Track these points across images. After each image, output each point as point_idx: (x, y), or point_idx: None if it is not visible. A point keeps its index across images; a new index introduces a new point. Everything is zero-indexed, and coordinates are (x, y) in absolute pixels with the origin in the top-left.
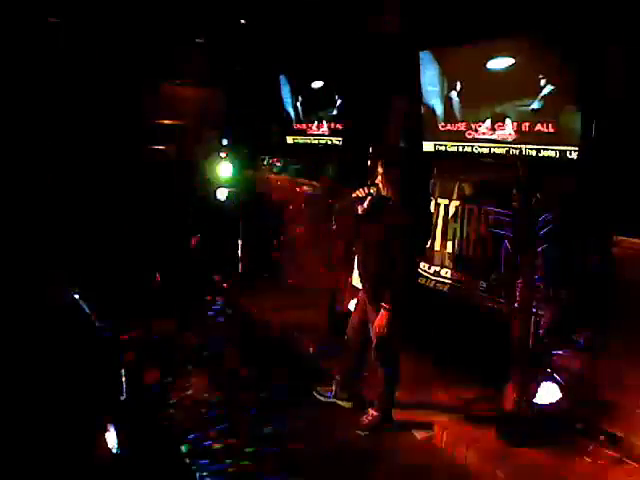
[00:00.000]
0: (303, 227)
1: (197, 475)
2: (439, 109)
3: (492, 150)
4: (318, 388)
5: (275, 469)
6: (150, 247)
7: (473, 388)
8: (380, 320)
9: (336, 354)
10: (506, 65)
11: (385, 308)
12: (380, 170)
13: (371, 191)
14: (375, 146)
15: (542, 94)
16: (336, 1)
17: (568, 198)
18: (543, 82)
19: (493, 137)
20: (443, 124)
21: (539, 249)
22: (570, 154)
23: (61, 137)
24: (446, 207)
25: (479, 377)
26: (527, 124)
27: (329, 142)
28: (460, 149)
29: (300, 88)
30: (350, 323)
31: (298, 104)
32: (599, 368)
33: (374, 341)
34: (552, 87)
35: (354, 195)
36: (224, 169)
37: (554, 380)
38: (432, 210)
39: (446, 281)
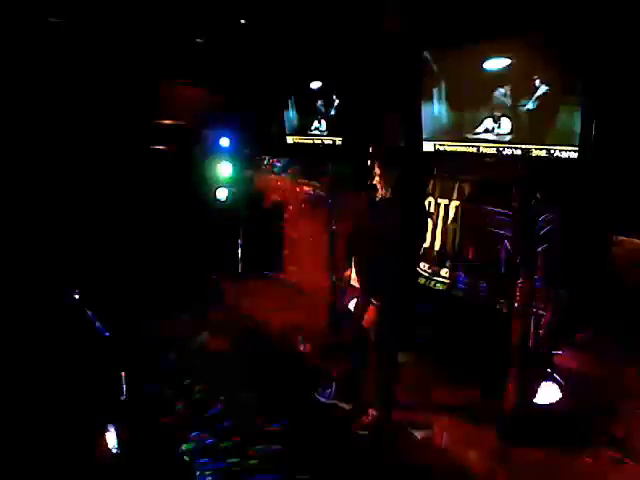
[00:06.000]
0: (303, 227)
1: (197, 475)
2: (439, 109)
3: (492, 150)
4: (318, 389)
5: (275, 469)
6: (149, 247)
7: (473, 388)
8: (369, 315)
9: (336, 354)
10: (505, 65)
11: (374, 304)
12: (378, 172)
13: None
14: (375, 146)
15: (540, 93)
16: (335, 0)
17: (568, 198)
18: (542, 82)
19: (493, 137)
20: (442, 124)
21: (539, 249)
22: (570, 154)
23: (61, 137)
24: (446, 207)
25: (479, 377)
26: (526, 124)
27: (329, 142)
28: (460, 149)
29: (300, 88)
30: (348, 323)
31: (298, 104)
32: (599, 368)
33: (373, 340)
34: (551, 87)
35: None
36: (224, 169)
37: (554, 380)
38: (432, 210)
39: (446, 281)
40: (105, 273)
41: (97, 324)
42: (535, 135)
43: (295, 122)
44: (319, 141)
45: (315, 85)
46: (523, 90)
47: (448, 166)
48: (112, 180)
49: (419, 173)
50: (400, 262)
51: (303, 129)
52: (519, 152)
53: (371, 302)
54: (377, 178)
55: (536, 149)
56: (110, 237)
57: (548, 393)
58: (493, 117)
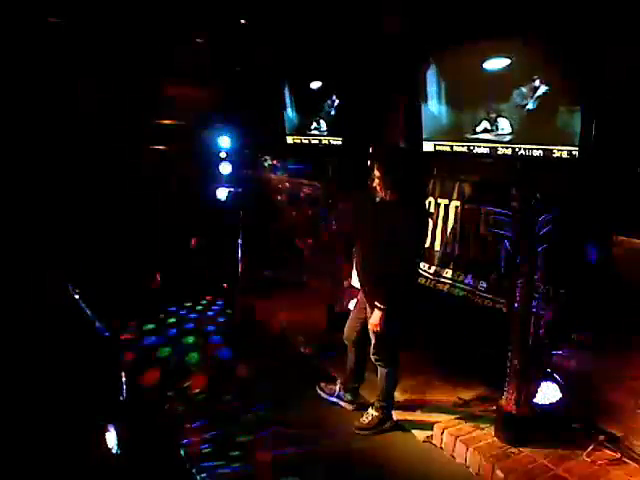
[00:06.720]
0: (303, 227)
1: (197, 476)
2: (438, 109)
3: (492, 150)
4: (322, 384)
5: (275, 470)
6: (150, 247)
7: (473, 388)
8: (374, 319)
9: (335, 354)
10: (505, 64)
11: (379, 308)
12: (377, 173)
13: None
14: (375, 146)
15: (540, 93)
16: (336, 1)
17: (568, 198)
18: (542, 82)
19: (493, 137)
20: (442, 124)
21: (539, 249)
22: (570, 154)
23: (60, 136)
24: (446, 207)
25: (479, 377)
26: (526, 124)
27: (329, 142)
28: (460, 149)
29: (300, 88)
30: (349, 323)
31: (298, 104)
32: (599, 368)
33: (373, 341)
34: (551, 87)
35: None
36: (224, 169)
37: (554, 380)
38: (432, 210)
39: (446, 281)
40: (105, 273)
41: (97, 324)
42: (535, 135)
43: (295, 122)
44: (319, 141)
45: (315, 85)
46: (523, 90)
47: (448, 166)
48: (113, 180)
49: (419, 173)
50: (401, 262)
51: (303, 129)
52: (519, 152)
53: (376, 306)
54: (377, 180)
55: (536, 149)
56: (110, 237)
57: (548, 393)
58: (493, 117)
